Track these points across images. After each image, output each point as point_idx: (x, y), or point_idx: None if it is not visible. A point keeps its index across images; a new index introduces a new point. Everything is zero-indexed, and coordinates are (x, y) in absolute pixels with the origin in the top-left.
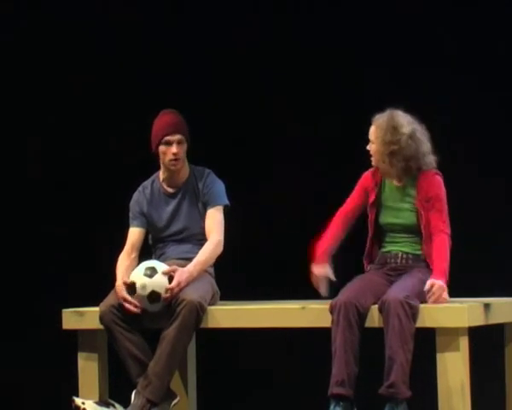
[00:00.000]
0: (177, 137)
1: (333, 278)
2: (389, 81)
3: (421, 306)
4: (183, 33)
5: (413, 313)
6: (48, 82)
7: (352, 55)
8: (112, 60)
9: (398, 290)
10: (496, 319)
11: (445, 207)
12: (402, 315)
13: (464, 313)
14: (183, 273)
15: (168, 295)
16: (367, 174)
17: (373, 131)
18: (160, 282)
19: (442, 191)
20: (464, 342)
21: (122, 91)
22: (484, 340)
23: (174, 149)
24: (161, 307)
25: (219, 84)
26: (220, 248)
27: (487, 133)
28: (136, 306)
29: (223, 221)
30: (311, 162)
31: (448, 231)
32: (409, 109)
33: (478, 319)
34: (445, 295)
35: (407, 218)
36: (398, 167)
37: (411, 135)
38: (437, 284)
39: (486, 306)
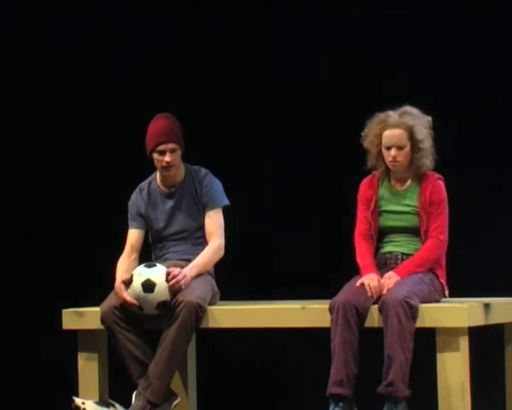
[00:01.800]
0: (169, 146)
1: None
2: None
3: (421, 306)
4: (182, 32)
5: (412, 313)
6: (48, 82)
7: (350, 55)
8: (111, 60)
9: (398, 290)
10: (496, 319)
11: (445, 212)
12: (401, 315)
13: (464, 313)
14: (181, 272)
15: (172, 282)
16: (364, 183)
17: (402, 135)
18: (157, 272)
19: (444, 197)
20: (464, 342)
21: (121, 92)
22: (484, 340)
23: (167, 157)
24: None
25: (219, 84)
26: (221, 252)
27: (489, 129)
28: (134, 303)
29: (223, 223)
30: (311, 162)
31: (442, 237)
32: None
33: (478, 319)
34: (388, 282)
35: (408, 221)
36: (413, 164)
37: (431, 132)
38: (389, 275)
39: (486, 306)
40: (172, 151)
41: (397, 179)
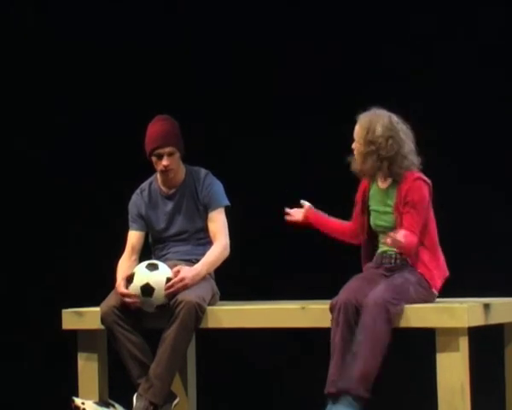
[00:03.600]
0: (167, 149)
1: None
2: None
3: (422, 306)
4: (182, 31)
5: (389, 318)
6: (47, 82)
7: (350, 55)
8: (109, 61)
9: (380, 293)
10: (496, 319)
11: (421, 213)
12: (377, 317)
13: (464, 313)
14: (189, 271)
15: (171, 290)
16: (361, 184)
17: (356, 131)
18: (157, 277)
19: (421, 197)
20: (464, 343)
21: (120, 93)
22: (484, 340)
23: (164, 161)
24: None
25: (219, 83)
26: (227, 251)
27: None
28: (134, 301)
29: (226, 223)
30: (312, 162)
31: (417, 235)
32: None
33: (478, 319)
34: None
35: (389, 220)
36: (381, 168)
37: (392, 136)
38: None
39: (486, 306)
40: (170, 155)
41: (381, 178)
